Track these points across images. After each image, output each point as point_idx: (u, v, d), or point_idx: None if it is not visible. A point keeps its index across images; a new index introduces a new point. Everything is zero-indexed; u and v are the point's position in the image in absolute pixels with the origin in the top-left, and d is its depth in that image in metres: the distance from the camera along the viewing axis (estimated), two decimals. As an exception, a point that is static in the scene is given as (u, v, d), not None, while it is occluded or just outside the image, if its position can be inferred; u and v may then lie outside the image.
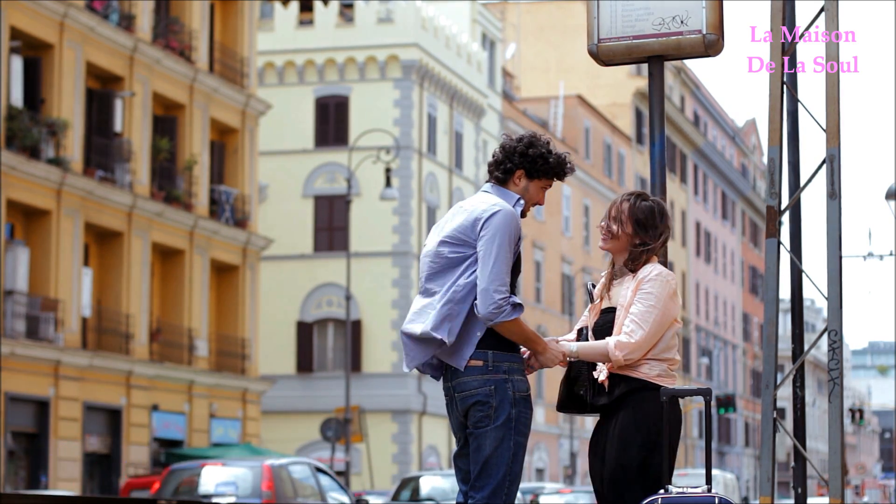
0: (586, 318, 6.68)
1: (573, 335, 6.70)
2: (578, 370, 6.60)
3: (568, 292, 61.92)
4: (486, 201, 6.39)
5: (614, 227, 6.52)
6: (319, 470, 23.32)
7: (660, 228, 6.52)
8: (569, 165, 6.54)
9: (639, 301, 6.38)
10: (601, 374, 6.46)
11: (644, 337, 6.36)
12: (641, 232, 6.49)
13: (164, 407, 37.18)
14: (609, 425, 6.46)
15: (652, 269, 6.45)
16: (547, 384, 59.49)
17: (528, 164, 6.47)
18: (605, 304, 6.56)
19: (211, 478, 22.31)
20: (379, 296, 48.62)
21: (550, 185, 6.55)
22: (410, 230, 49.27)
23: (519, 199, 6.44)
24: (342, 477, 37.61)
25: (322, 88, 50.26)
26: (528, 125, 57.71)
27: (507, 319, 6.22)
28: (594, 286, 6.68)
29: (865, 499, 59.55)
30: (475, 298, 6.27)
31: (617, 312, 6.44)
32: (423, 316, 6.36)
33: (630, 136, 71.86)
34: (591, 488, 40.73)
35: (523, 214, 6.47)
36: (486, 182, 6.56)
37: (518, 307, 6.24)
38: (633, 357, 6.36)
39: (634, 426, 6.33)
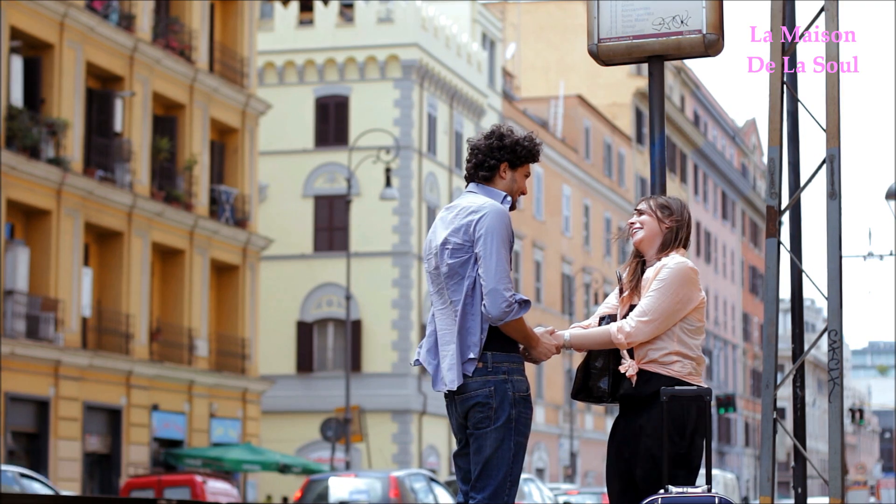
0: (612, 306, 6.72)
1: (594, 321, 6.73)
2: (599, 361, 6.64)
3: (568, 292, 61.90)
4: (474, 202, 6.42)
5: (643, 217, 6.61)
6: (433, 480, 26.56)
7: (684, 212, 6.65)
8: (538, 142, 6.59)
9: (651, 288, 6.45)
10: (630, 368, 6.49)
11: (647, 322, 6.40)
12: (668, 213, 6.60)
13: (164, 407, 37.17)
14: (637, 420, 6.51)
15: (671, 259, 6.52)
16: (547, 384, 59.47)
17: (509, 154, 6.51)
18: (635, 300, 6.61)
19: (344, 487, 25.10)
20: (379, 296, 48.61)
21: (530, 173, 6.60)
22: (410, 230, 49.26)
23: (506, 197, 6.48)
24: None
25: (322, 88, 50.25)
26: (528, 125, 57.70)
27: (516, 318, 6.25)
28: (622, 276, 6.74)
29: (882, 499, 59.35)
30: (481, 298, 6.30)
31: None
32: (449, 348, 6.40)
33: (630, 136, 71.85)
34: (594, 489, 40.73)
35: (512, 207, 6.50)
36: (470, 183, 6.58)
37: (525, 304, 6.27)
38: (635, 340, 6.41)
39: (670, 423, 6.37)
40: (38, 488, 23.18)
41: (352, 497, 24.76)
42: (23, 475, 23.63)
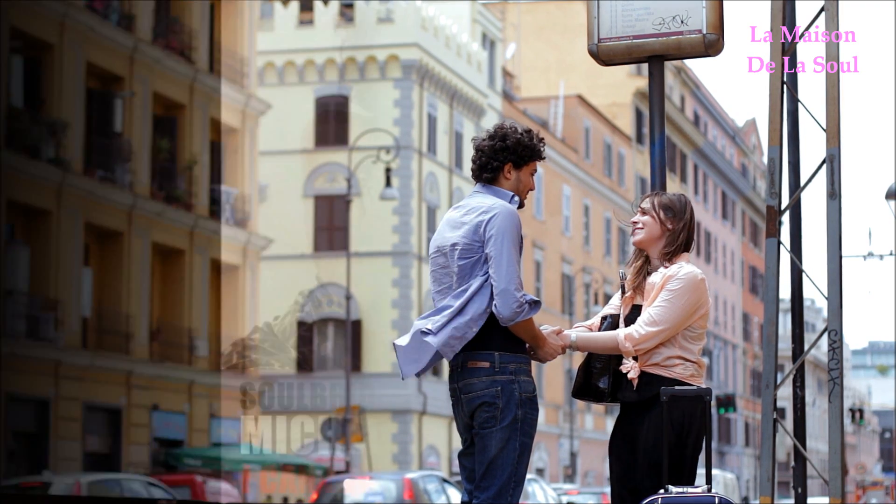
0: (616, 306, 6.72)
1: (596, 321, 6.74)
2: (599, 361, 6.65)
3: (568, 292, 61.89)
4: (483, 203, 6.42)
5: (645, 218, 6.58)
6: (445, 480, 27.19)
7: (687, 213, 6.66)
8: (541, 139, 6.57)
9: (660, 298, 6.46)
10: (631, 370, 6.49)
11: (654, 331, 6.41)
12: (671, 215, 6.60)
13: (164, 407, 37.16)
14: (638, 421, 6.51)
15: (680, 269, 6.53)
16: (547, 384, 59.46)
17: (512, 155, 6.51)
18: (638, 300, 6.61)
19: (359, 489, 25.63)
20: (379, 296, 48.61)
21: (536, 169, 6.60)
22: (410, 230, 49.26)
23: (513, 197, 6.46)
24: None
25: (322, 88, 50.25)
26: (529, 125, 57.60)
27: (526, 318, 6.25)
28: (626, 276, 6.74)
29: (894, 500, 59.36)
30: (490, 299, 6.29)
31: (644, 308, 6.53)
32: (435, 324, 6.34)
33: (630, 136, 71.85)
34: (594, 489, 40.73)
35: (522, 204, 6.50)
36: (477, 183, 6.58)
37: (535, 305, 6.27)
38: (642, 348, 6.42)
39: (669, 425, 6.37)
40: (160, 494, 24.38)
41: (367, 499, 25.16)
42: (150, 484, 24.77)
